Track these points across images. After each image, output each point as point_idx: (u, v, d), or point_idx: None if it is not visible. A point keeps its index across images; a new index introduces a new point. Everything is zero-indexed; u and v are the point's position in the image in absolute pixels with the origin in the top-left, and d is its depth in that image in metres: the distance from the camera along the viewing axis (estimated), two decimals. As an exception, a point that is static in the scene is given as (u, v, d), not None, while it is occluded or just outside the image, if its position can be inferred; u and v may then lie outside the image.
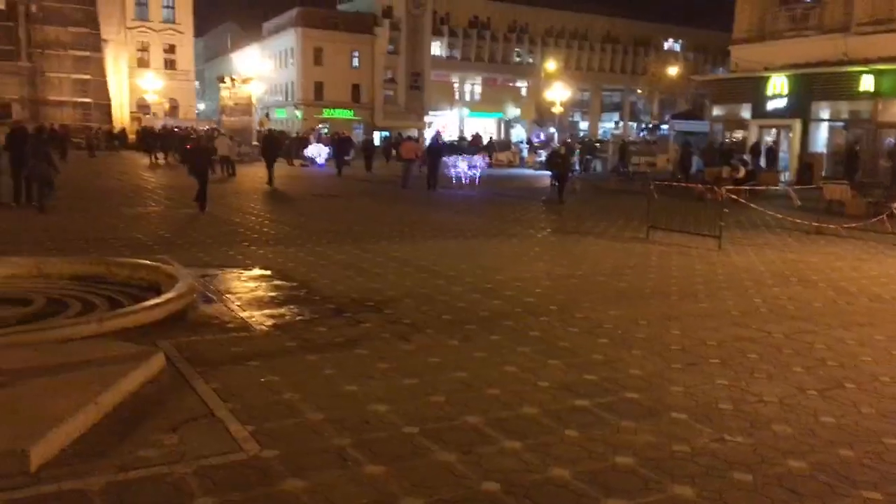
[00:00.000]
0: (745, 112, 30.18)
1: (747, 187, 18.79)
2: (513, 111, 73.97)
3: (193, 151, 19.05)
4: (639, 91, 75.72)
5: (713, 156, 27.26)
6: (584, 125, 77.18)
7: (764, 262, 11.05)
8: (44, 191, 14.69)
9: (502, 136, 67.43)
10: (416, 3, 67.31)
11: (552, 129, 59.11)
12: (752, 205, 16.24)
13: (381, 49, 66.64)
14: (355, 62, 66.67)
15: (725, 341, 6.53)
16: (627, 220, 15.67)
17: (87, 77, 50.47)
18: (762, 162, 26.93)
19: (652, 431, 4.40)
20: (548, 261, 10.62)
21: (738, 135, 30.56)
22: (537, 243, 12.46)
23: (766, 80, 28.29)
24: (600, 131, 74.36)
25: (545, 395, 5.00)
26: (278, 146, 24.85)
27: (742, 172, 22.26)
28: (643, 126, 70.37)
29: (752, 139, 28.99)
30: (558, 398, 4.94)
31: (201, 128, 42.56)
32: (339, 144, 30.92)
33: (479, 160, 26.52)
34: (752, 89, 28.88)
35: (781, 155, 28.31)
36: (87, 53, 50.21)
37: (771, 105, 28.47)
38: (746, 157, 25.71)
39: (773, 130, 29.30)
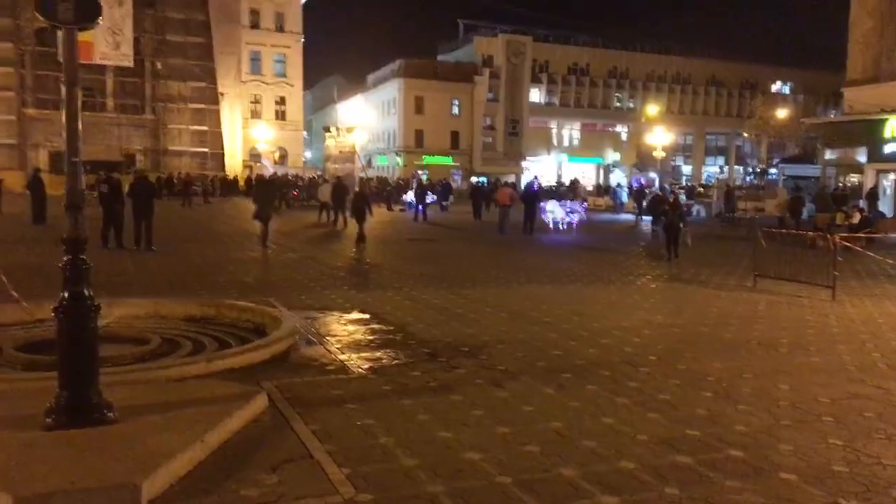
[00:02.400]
0: (861, 156, 28.77)
1: (863, 235, 17.80)
2: (612, 156, 73.29)
3: (357, 196, 20.77)
4: (745, 134, 73.47)
5: (825, 201, 26.05)
6: (687, 169, 75.45)
7: (883, 314, 10.39)
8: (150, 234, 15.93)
9: (601, 181, 66.77)
10: (516, 53, 68.31)
11: (653, 174, 58.08)
12: (869, 253, 15.34)
13: (481, 97, 67.80)
14: (455, 110, 68.09)
15: (839, 398, 6.15)
16: (733, 268, 15.10)
17: (205, 128, 53.69)
18: (880, 208, 25.49)
19: (759, 492, 4.18)
20: (648, 309, 10.36)
21: (853, 179, 29.12)
22: (636, 290, 12.18)
23: (883, 122, 26.92)
24: (704, 175, 72.50)
25: (644, 449, 4.84)
26: (345, 193, 25.58)
27: (857, 218, 21.12)
28: (750, 170, 68.05)
29: (869, 184, 27.54)
30: (658, 453, 4.77)
31: (340, 172, 44.22)
32: (439, 189, 31.39)
33: (576, 205, 26.37)
34: (868, 132, 27.53)
35: (902, 200, 26.75)
36: (205, 106, 53.49)
37: (889, 148, 27.02)
38: (862, 202, 24.42)
39: (892, 175, 27.74)
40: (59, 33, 4.92)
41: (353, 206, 19.98)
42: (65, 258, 4.70)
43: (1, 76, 48.10)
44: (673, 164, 72.61)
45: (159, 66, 52.36)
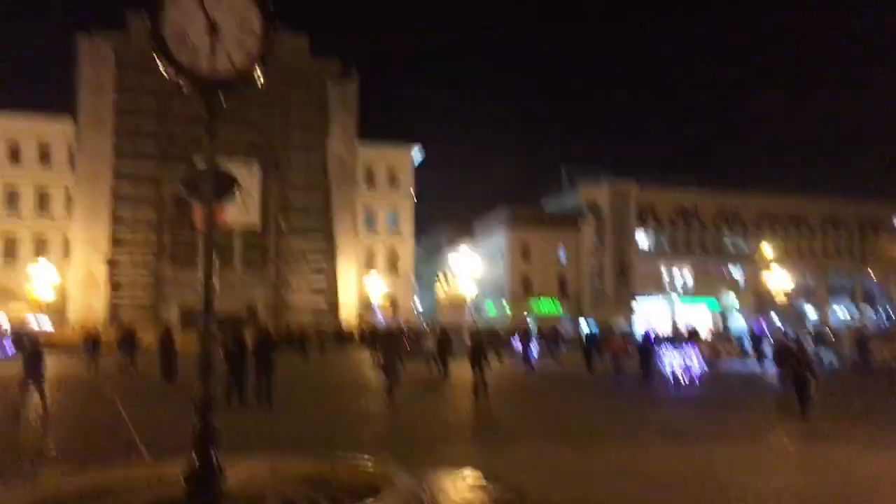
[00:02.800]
0: None
1: None
2: (728, 299, 70.80)
3: (473, 345, 20.37)
4: (872, 275, 69.62)
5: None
6: (810, 311, 71.62)
7: None
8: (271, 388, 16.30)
9: (718, 326, 64.22)
10: (621, 198, 68.99)
11: (774, 318, 55.40)
12: None
13: (587, 242, 68.14)
14: (561, 256, 68.50)
15: None
16: (876, 425, 13.73)
17: (322, 282, 56.19)
18: None
19: None
20: (785, 471, 9.48)
21: None
22: (769, 449, 11.24)
23: None
24: (830, 318, 68.50)
25: None
26: (449, 343, 25.74)
27: None
28: (885, 314, 63.71)
29: None
30: None
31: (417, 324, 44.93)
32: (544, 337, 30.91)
33: (694, 354, 25.22)
34: None
35: None
36: (323, 261, 56.29)
37: None
38: None
39: None
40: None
41: (471, 356, 19.76)
42: (193, 419, 4.83)
43: (143, 239, 52.72)
44: (794, 306, 69.19)
45: (283, 225, 56.05)
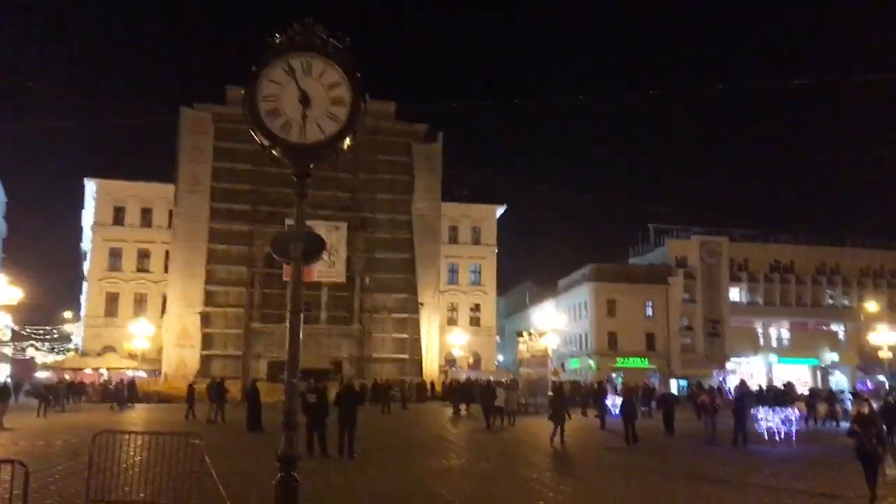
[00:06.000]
0: None
1: None
2: (830, 357, 67.16)
3: (555, 399, 21.88)
4: None
5: None
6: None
7: None
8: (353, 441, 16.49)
9: (819, 384, 60.85)
10: (711, 253, 67.18)
11: (881, 377, 52.07)
12: None
13: (676, 298, 66.34)
14: (649, 311, 66.88)
15: None
16: None
17: (405, 336, 56.64)
18: None
19: None
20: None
21: None
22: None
23: None
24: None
25: None
26: (493, 396, 27.02)
27: None
28: None
29: None
30: None
31: (484, 378, 44.54)
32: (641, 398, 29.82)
33: (794, 413, 23.92)
34: None
35: None
36: (407, 315, 56.83)
37: None
38: None
39: None
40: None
41: (553, 410, 20.82)
42: (278, 475, 4.97)
43: (235, 295, 54.68)
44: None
45: (367, 280, 57.10)
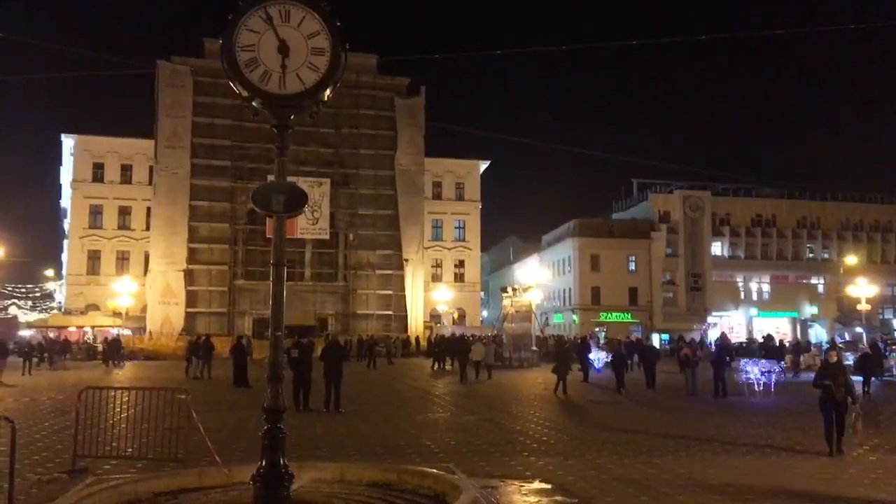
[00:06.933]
0: None
1: None
2: (809, 310, 68.23)
3: (563, 352, 23.62)
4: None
5: None
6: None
7: None
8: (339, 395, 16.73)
9: (798, 336, 61.95)
10: (694, 207, 67.47)
11: (859, 328, 53.05)
12: None
13: (659, 252, 66.81)
14: (632, 266, 67.39)
15: None
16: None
17: (390, 292, 56.81)
18: None
19: None
20: (867, 485, 9.08)
21: None
22: (852, 463, 10.77)
23: None
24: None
25: None
26: (467, 349, 28.74)
27: None
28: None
29: None
30: None
31: (470, 333, 44.96)
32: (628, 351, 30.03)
33: (773, 364, 24.35)
34: None
35: None
36: (391, 272, 56.93)
37: None
38: None
39: None
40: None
41: (557, 363, 22.19)
42: (264, 427, 5.00)
43: (218, 252, 54.42)
44: (881, 317, 66.13)
45: (351, 237, 56.99)
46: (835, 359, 11.98)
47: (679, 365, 26.88)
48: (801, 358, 34.32)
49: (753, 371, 23.09)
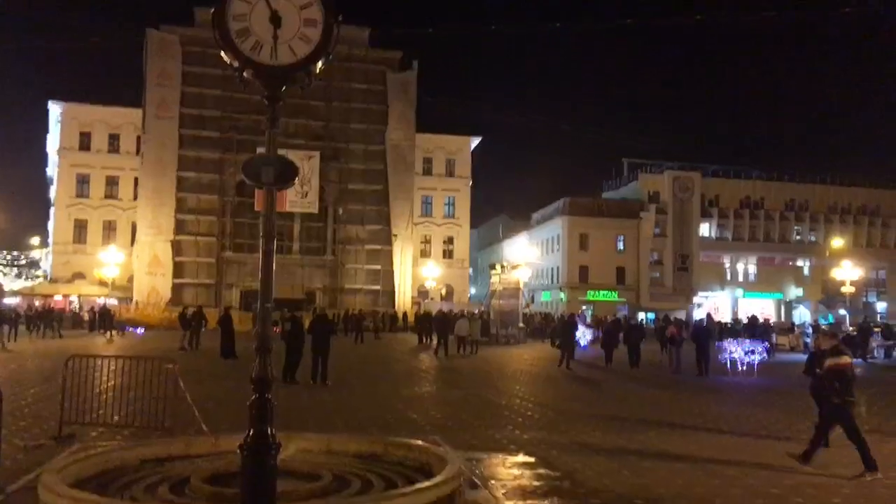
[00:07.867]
0: None
1: None
2: (794, 292, 68.87)
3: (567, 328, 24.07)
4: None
5: None
6: (881, 306, 69.10)
7: None
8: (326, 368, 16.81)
9: (783, 318, 62.58)
10: (683, 188, 67.65)
11: (842, 311, 53.66)
12: None
13: (647, 232, 67.09)
14: (620, 245, 67.68)
15: None
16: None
17: (378, 267, 56.88)
18: None
19: None
20: (849, 467, 9.25)
21: None
22: (834, 441, 10.94)
23: None
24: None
25: None
26: (448, 326, 28.99)
27: None
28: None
29: None
30: None
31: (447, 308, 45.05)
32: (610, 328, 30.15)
33: (756, 345, 24.61)
34: None
35: None
36: (380, 247, 56.93)
37: None
38: None
39: None
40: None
41: (562, 339, 23.43)
42: (252, 397, 5.04)
43: (206, 223, 54.21)
44: (864, 300, 66.87)
45: (340, 211, 56.85)
46: (827, 346, 9.88)
47: (660, 343, 27.20)
48: (785, 339, 34.72)
49: (738, 351, 23.36)
